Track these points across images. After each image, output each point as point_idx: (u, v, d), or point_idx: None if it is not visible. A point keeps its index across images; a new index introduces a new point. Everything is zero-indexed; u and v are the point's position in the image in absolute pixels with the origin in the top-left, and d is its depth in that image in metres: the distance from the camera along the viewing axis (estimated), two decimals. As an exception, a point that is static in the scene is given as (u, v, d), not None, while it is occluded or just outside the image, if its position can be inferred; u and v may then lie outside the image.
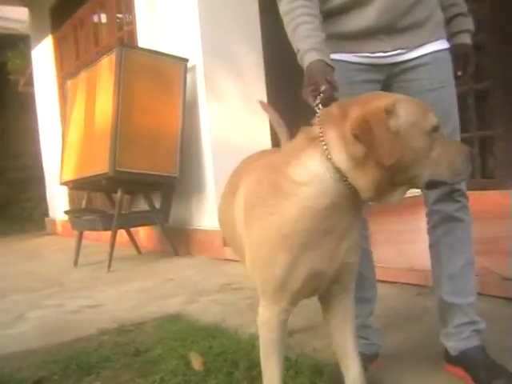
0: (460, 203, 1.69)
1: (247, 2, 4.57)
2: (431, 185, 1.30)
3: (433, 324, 2.15)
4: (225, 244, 4.18)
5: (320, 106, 1.40)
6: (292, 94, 4.89)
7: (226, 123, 4.39)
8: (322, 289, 1.41)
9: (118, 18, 5.79)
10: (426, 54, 1.68)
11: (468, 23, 1.81)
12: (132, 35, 5.26)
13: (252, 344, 2.06)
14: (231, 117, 4.42)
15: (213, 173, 4.30)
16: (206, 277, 3.68)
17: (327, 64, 1.50)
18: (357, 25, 1.65)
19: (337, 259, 1.34)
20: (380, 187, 1.25)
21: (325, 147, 1.26)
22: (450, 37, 1.80)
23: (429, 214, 1.75)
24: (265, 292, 1.40)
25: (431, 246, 1.76)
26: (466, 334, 1.67)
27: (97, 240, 5.61)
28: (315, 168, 1.27)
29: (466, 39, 1.80)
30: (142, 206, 4.56)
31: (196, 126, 4.38)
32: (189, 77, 4.33)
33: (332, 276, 1.36)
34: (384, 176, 1.23)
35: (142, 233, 5.18)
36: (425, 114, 1.26)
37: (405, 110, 1.24)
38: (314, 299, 1.50)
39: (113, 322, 2.63)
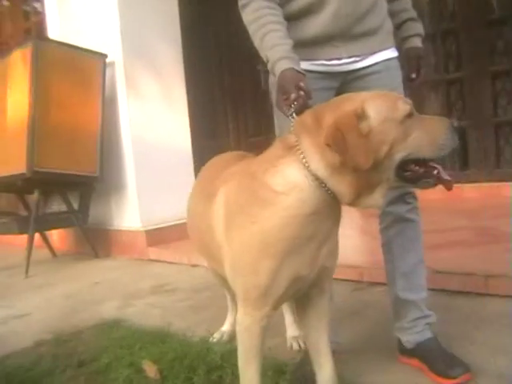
0: (411, 205, 1.79)
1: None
2: (408, 165, 1.29)
3: (376, 317, 2.30)
4: (149, 244, 4.10)
5: (294, 114, 1.42)
6: (211, 90, 4.94)
7: (147, 121, 4.30)
8: (301, 292, 1.44)
9: (24, 6, 5.41)
10: (378, 62, 1.75)
11: (418, 28, 1.90)
12: (41, 27, 4.94)
13: (206, 348, 2.06)
14: (151, 114, 4.34)
15: (134, 171, 4.19)
16: (135, 279, 3.58)
17: (298, 72, 1.52)
18: (312, 31, 1.68)
19: (317, 263, 1.38)
20: (359, 191, 1.27)
21: (302, 156, 1.29)
22: (402, 41, 1.88)
23: (381, 216, 1.84)
24: (247, 299, 1.40)
25: (384, 245, 1.86)
26: (420, 328, 1.79)
27: (4, 243, 5.24)
28: (294, 177, 1.29)
29: (418, 43, 1.89)
30: (58, 206, 4.32)
31: (116, 123, 4.24)
32: (108, 73, 4.17)
33: (311, 279, 1.40)
34: (362, 179, 1.25)
35: (56, 234, 4.91)
36: (394, 104, 1.27)
37: (374, 109, 1.25)
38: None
39: (47, 333, 2.48)
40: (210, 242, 1.53)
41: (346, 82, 1.74)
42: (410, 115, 1.27)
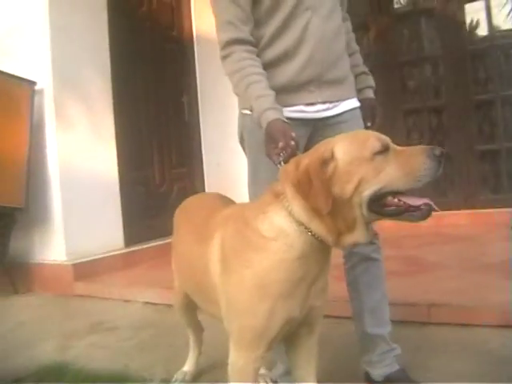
0: (375, 245, 1.90)
1: (97, 25, 4.44)
2: (381, 199, 1.28)
3: (336, 350, 2.35)
4: (76, 278, 3.91)
5: (282, 162, 1.48)
6: (137, 122, 4.86)
7: (75, 150, 4.15)
8: (290, 332, 1.47)
9: None
10: (346, 111, 1.87)
11: (370, 80, 2.06)
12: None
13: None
14: (79, 144, 4.20)
15: (60, 203, 4.00)
16: (66, 317, 3.38)
17: (285, 122, 1.59)
18: (288, 76, 1.76)
19: (307, 304, 1.42)
20: (338, 231, 1.31)
21: (287, 203, 1.35)
22: (357, 92, 2.03)
23: (347, 256, 1.92)
24: (241, 340, 1.42)
25: (350, 284, 1.95)
26: (389, 361, 1.88)
27: None
28: (280, 223, 1.35)
29: (371, 94, 2.04)
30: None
31: (43, 152, 4.04)
32: (36, 100, 3.98)
33: (301, 319, 1.44)
34: (337, 219, 1.29)
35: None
36: (364, 143, 1.29)
37: (341, 150, 1.29)
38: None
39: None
40: (205, 283, 1.54)
41: (316, 129, 1.83)
42: (382, 151, 1.28)
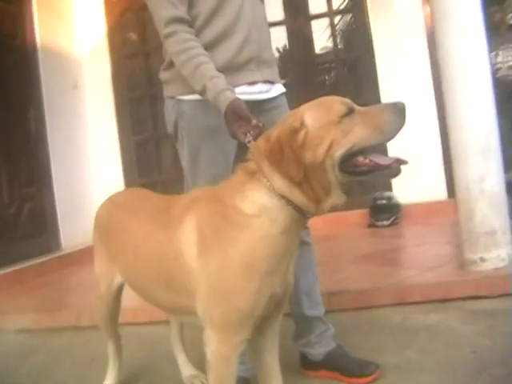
0: (307, 229, 1.97)
1: None
2: (351, 159, 1.31)
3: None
4: None
5: (252, 141, 1.48)
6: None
7: None
8: (269, 311, 1.45)
9: None
10: (278, 96, 1.92)
11: None
12: None
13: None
14: None
15: None
16: None
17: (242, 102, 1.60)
18: (228, 56, 1.76)
19: (286, 280, 1.44)
20: (317, 196, 1.33)
21: (265, 179, 1.36)
22: None
23: None
24: (226, 325, 1.37)
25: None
26: (327, 340, 1.95)
27: None
28: (261, 199, 1.35)
29: None
30: None
31: None
32: None
33: (280, 296, 1.44)
34: (313, 184, 1.32)
35: None
36: (330, 108, 1.33)
37: (310, 117, 1.32)
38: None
39: None
40: (174, 270, 1.45)
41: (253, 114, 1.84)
42: (347, 113, 1.31)
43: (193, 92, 1.70)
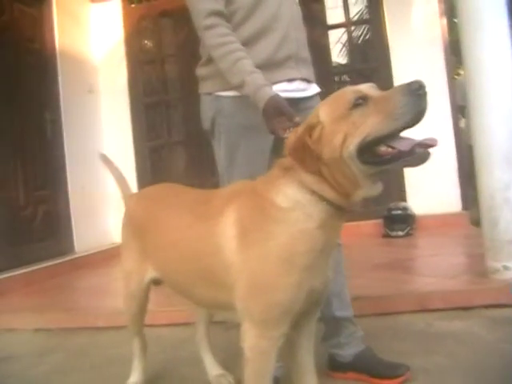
0: (337, 229, 1.97)
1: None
2: (366, 151, 1.25)
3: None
4: None
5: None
6: (1, 136, 4.38)
7: None
8: (308, 306, 1.44)
9: None
10: (314, 96, 1.92)
11: None
12: None
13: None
14: None
15: None
16: None
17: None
18: (266, 53, 1.77)
19: (326, 275, 1.43)
20: (344, 190, 1.30)
21: (297, 175, 1.36)
22: None
23: None
24: (265, 319, 1.36)
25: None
26: (356, 341, 1.94)
27: None
28: (294, 194, 1.35)
29: None
30: None
31: None
32: None
33: (321, 291, 1.43)
34: (338, 178, 1.29)
35: None
36: (340, 101, 1.29)
37: (324, 113, 1.31)
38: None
39: None
40: (212, 264, 1.45)
41: None
42: (358, 104, 1.25)
43: (232, 88, 1.71)
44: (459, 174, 4.80)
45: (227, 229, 1.42)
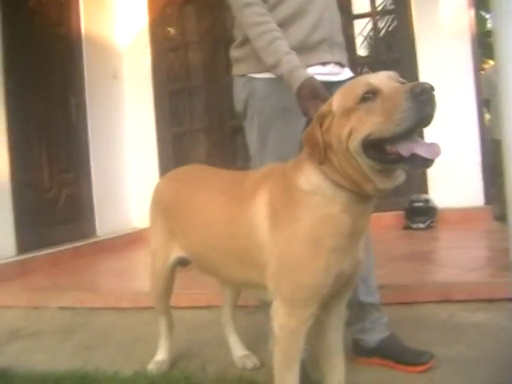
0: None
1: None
2: (373, 146, 1.23)
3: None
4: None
5: None
6: (26, 120, 4.44)
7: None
8: (338, 288, 1.45)
9: None
10: (346, 81, 1.85)
11: None
12: None
13: (151, 382, 1.87)
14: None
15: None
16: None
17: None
18: (300, 36, 1.77)
19: (356, 258, 1.43)
20: (354, 180, 1.29)
21: None
22: None
23: None
24: (295, 299, 1.38)
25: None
26: (381, 327, 1.95)
27: None
28: (315, 179, 1.36)
29: None
30: None
31: None
32: None
33: (350, 275, 1.43)
34: (347, 169, 1.28)
35: None
36: (350, 93, 1.26)
37: (336, 103, 1.31)
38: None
39: None
40: (245, 244, 1.47)
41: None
42: (368, 98, 1.22)
43: (266, 70, 1.71)
44: (482, 169, 4.75)
45: (259, 209, 1.44)
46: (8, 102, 4.20)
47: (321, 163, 1.31)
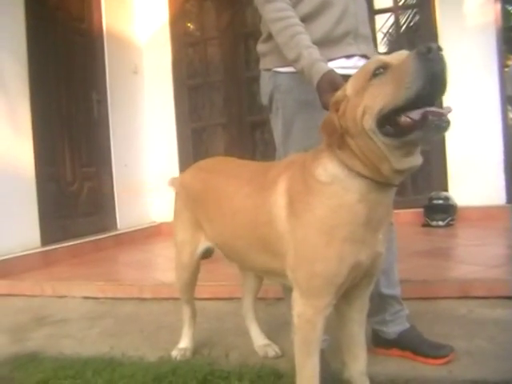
0: (391, 207, 1.99)
1: (13, 10, 4.15)
2: (388, 122, 1.24)
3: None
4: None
5: None
6: (49, 114, 4.53)
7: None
8: (355, 281, 1.48)
9: None
10: None
11: None
12: None
13: (175, 367, 1.90)
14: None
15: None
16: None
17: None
18: (325, 29, 1.78)
19: (374, 250, 1.44)
20: (374, 164, 1.29)
21: (338, 150, 1.37)
22: None
23: None
24: (311, 288, 1.41)
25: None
26: (401, 320, 1.97)
27: None
28: (332, 169, 1.38)
29: None
30: None
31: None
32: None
33: (367, 266, 1.45)
34: (365, 152, 1.29)
35: None
36: (362, 73, 1.30)
37: (349, 87, 1.33)
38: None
39: None
40: (266, 233, 1.51)
41: None
42: (378, 73, 1.25)
43: (290, 64, 1.73)
44: (505, 167, 4.71)
45: (278, 198, 1.47)
46: (33, 98, 4.29)
47: (339, 148, 1.33)
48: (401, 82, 1.18)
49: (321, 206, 1.37)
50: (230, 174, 1.79)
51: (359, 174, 1.33)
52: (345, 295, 1.55)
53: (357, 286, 1.53)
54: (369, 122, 1.25)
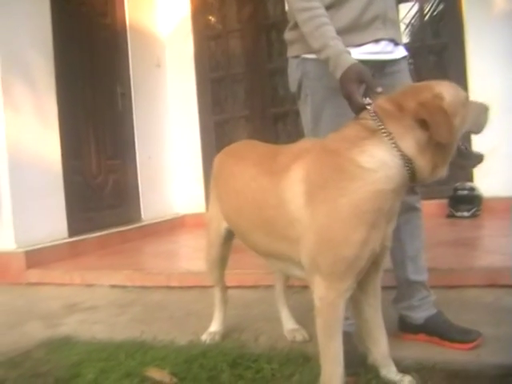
0: (418, 195, 1.99)
1: (39, 7, 4.23)
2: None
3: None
4: (28, 266, 3.60)
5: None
6: (74, 108, 4.61)
7: (21, 134, 3.92)
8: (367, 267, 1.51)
9: None
10: (401, 59, 1.92)
11: None
12: None
13: (205, 350, 1.94)
14: (25, 128, 3.98)
15: (9, 187, 3.72)
16: (33, 302, 3.11)
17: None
18: (354, 14, 1.78)
19: (385, 239, 1.50)
20: (435, 165, 1.42)
21: (387, 138, 1.40)
22: None
23: None
24: (332, 272, 1.44)
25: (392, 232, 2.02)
26: (428, 305, 1.98)
27: None
28: (381, 156, 1.40)
29: None
30: None
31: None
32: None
33: (377, 254, 1.50)
34: (439, 154, 1.41)
35: None
36: (458, 91, 1.47)
37: (448, 93, 1.42)
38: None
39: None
40: (276, 217, 1.54)
41: (374, 76, 1.80)
42: (466, 100, 1.48)
43: None
44: (532, 157, 4.64)
45: (295, 184, 1.49)
46: (59, 93, 4.37)
47: (446, 141, 1.37)
48: (480, 120, 1.51)
49: (358, 191, 1.39)
50: (241, 156, 1.85)
51: (406, 165, 1.40)
52: (358, 283, 1.57)
53: (368, 272, 1.55)
54: (458, 134, 1.43)
